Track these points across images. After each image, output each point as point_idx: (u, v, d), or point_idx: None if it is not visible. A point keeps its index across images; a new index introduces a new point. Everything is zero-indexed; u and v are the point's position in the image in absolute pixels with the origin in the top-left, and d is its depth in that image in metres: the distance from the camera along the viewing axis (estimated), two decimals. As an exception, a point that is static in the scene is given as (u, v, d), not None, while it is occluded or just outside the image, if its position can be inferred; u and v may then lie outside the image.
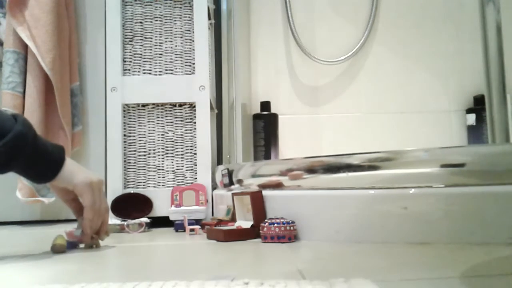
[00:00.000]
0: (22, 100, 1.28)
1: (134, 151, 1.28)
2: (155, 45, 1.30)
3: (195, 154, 1.27)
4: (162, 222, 1.21)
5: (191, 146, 1.28)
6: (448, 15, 1.67)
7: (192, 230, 1.03)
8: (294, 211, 0.87)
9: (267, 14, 1.68)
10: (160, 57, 1.30)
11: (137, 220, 1.11)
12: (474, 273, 0.55)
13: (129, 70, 1.30)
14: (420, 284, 0.50)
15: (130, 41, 1.30)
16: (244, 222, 0.94)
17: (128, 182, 1.27)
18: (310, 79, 1.68)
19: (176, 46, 1.31)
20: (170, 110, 1.29)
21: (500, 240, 0.70)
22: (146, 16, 1.31)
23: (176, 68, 1.30)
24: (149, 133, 1.28)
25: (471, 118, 1.60)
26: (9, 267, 0.66)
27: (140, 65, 1.30)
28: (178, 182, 1.27)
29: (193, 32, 1.30)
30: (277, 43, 1.68)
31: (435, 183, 0.76)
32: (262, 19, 1.68)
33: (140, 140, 1.28)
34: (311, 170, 0.89)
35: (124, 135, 1.28)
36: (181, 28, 1.31)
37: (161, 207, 1.24)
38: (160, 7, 1.31)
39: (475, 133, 1.59)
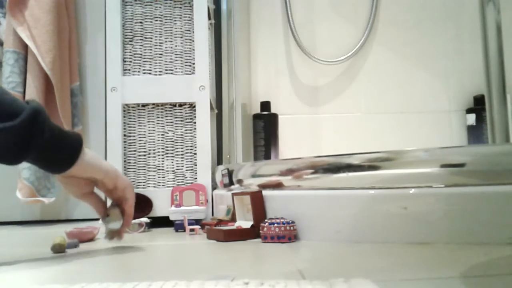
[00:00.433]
0: (22, 100, 1.28)
1: (134, 151, 1.28)
2: (155, 45, 1.30)
3: (195, 154, 1.27)
4: (162, 222, 1.21)
5: (191, 146, 1.28)
6: (448, 15, 1.67)
7: (192, 230, 1.03)
8: (294, 211, 0.87)
9: (267, 14, 1.68)
10: (160, 57, 1.30)
11: (137, 220, 1.11)
12: (474, 273, 0.55)
13: (129, 70, 1.30)
14: (420, 284, 0.50)
15: (130, 41, 1.30)
16: (244, 222, 0.94)
17: (128, 182, 1.27)
18: (310, 79, 1.68)
19: (176, 46, 1.31)
20: (170, 110, 1.29)
21: (500, 240, 0.70)
22: (146, 16, 1.31)
23: (176, 68, 1.30)
24: (149, 133, 1.28)
25: (471, 118, 1.60)
26: (9, 267, 0.66)
27: (140, 65, 1.30)
28: (178, 182, 1.27)
29: (193, 32, 1.30)
30: (277, 43, 1.68)
31: (435, 183, 0.76)
32: (262, 19, 1.68)
33: (140, 140, 1.28)
34: (312, 170, 0.89)
35: (124, 135, 1.28)
36: (181, 28, 1.31)
37: (161, 207, 1.24)
38: (160, 7, 1.31)
39: (475, 133, 1.59)
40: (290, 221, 0.84)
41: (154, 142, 1.28)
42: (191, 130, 1.29)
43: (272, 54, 1.68)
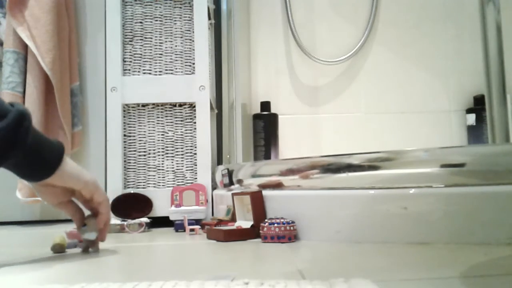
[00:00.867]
0: (22, 100, 1.28)
1: (134, 151, 1.28)
2: (155, 45, 1.30)
3: (195, 154, 1.27)
4: (162, 222, 1.21)
5: (191, 146, 1.28)
6: (448, 15, 1.67)
7: (192, 230, 1.03)
8: (294, 211, 0.87)
9: (267, 14, 1.68)
10: (160, 57, 1.30)
11: (137, 220, 1.11)
12: (474, 273, 0.55)
13: (129, 70, 1.30)
14: (420, 284, 0.50)
15: (130, 41, 1.30)
16: (244, 222, 0.94)
17: (128, 182, 1.27)
18: (310, 79, 1.68)
19: (176, 46, 1.31)
20: (170, 110, 1.29)
21: (500, 240, 0.70)
22: (146, 16, 1.31)
23: (176, 68, 1.30)
24: (149, 133, 1.28)
25: (471, 118, 1.60)
26: (9, 267, 0.66)
27: (140, 65, 1.30)
28: (178, 182, 1.27)
29: (193, 32, 1.30)
30: (277, 43, 1.68)
31: (435, 183, 0.76)
32: (262, 19, 1.68)
33: (140, 140, 1.28)
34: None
35: (124, 135, 1.28)
36: (181, 28, 1.31)
37: (161, 207, 1.24)
38: (160, 7, 1.31)
39: (475, 133, 1.59)
40: (290, 221, 0.84)
41: (154, 142, 1.28)
42: (191, 130, 1.29)
43: (272, 54, 1.68)
